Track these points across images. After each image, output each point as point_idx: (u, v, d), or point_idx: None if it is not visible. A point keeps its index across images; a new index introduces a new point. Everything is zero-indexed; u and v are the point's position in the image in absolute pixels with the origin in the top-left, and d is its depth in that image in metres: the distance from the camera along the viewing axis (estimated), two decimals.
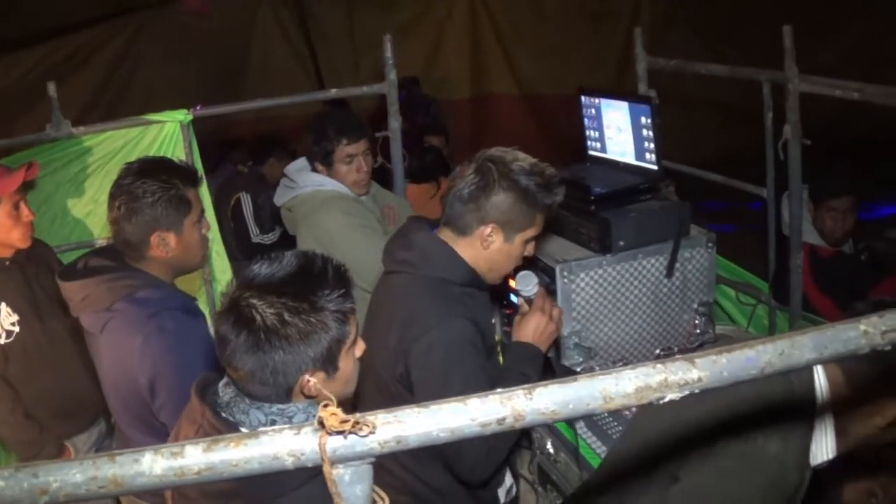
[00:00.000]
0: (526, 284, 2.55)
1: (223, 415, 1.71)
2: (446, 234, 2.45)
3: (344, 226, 3.35)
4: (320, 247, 3.24)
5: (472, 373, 2.30)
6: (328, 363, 1.67)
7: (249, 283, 1.64)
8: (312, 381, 1.66)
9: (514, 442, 2.57)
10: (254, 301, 1.61)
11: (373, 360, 2.35)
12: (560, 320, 2.61)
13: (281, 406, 1.69)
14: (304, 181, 3.49)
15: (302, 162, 3.61)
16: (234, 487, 1.61)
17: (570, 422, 2.78)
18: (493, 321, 3.01)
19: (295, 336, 1.61)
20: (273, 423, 1.69)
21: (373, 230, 3.40)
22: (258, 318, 1.59)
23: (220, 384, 1.78)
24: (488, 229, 2.38)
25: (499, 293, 3.01)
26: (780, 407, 1.74)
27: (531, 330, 2.51)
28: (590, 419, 2.81)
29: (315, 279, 1.66)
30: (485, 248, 2.41)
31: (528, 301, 2.58)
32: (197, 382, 1.79)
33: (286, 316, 1.60)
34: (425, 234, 2.48)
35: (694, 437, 1.85)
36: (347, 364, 1.74)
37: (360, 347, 1.80)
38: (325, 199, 3.41)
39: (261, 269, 1.66)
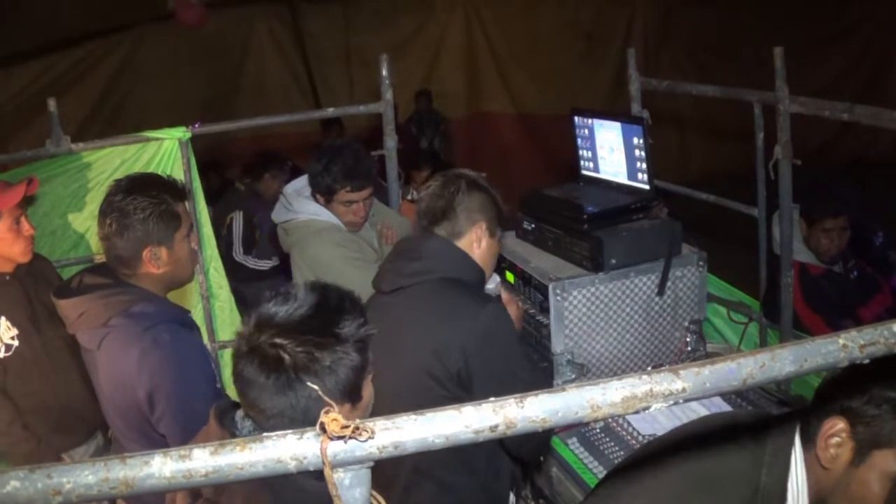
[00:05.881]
0: (492, 282, 2.79)
1: None
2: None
3: (335, 257, 3.35)
4: (313, 274, 3.28)
5: (521, 349, 2.55)
6: (353, 393, 1.66)
7: (269, 322, 1.61)
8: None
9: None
10: (279, 341, 1.58)
11: (404, 377, 2.40)
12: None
13: None
14: (300, 207, 3.48)
15: (301, 182, 3.58)
16: None
17: (563, 438, 2.83)
18: None
19: (324, 371, 1.59)
20: None
21: (366, 262, 3.37)
22: (287, 357, 1.57)
23: (238, 416, 1.76)
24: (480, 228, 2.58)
25: None
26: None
27: (515, 318, 2.72)
28: (583, 437, 2.85)
29: (334, 311, 1.65)
30: (478, 247, 2.58)
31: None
32: (214, 409, 1.77)
33: (315, 353, 1.58)
34: (433, 240, 2.57)
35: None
36: (368, 391, 1.73)
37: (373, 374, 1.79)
38: (319, 229, 3.42)
39: (278, 307, 1.63)
